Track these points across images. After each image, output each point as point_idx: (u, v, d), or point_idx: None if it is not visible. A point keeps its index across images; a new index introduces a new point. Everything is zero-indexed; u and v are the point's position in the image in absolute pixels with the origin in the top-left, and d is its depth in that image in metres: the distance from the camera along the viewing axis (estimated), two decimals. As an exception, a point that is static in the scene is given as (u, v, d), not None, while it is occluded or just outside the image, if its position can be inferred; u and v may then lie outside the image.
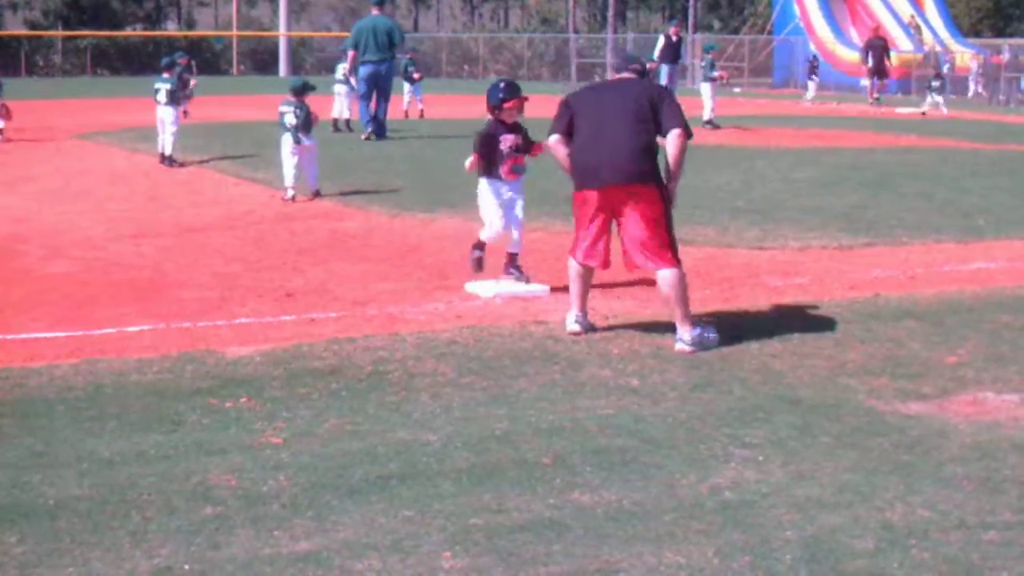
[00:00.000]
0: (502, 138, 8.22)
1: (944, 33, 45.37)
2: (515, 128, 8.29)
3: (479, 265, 8.34)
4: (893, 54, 35.36)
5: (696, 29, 53.57)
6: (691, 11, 56.29)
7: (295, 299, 8.04)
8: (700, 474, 4.84)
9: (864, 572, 3.96)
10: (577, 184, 7.13)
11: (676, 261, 6.95)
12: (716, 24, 69.39)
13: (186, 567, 3.94)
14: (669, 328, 7.04)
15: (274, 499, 4.53)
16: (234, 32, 60.43)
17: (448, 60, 55.35)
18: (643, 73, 7.64)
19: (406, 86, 25.71)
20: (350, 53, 19.96)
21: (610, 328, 7.27)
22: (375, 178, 14.42)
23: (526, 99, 8.34)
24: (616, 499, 4.56)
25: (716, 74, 23.39)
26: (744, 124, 24.09)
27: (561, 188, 8.43)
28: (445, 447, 5.13)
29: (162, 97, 16.07)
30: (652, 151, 6.99)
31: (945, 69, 33.62)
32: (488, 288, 8.23)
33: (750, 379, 6.24)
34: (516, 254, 8.47)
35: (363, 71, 19.47)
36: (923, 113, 29.80)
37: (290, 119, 12.68)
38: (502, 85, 8.40)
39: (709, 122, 22.34)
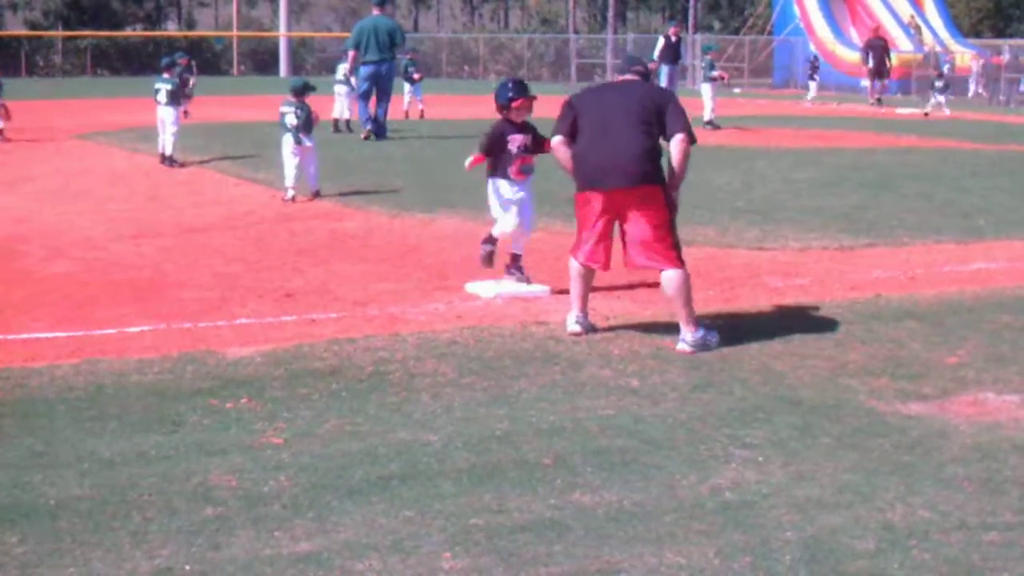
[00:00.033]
0: (510, 138, 8.17)
1: (944, 33, 45.38)
2: (524, 127, 8.24)
3: (489, 259, 8.30)
4: (893, 54, 35.37)
5: (696, 29, 53.57)
6: (691, 11, 56.29)
7: (295, 299, 8.04)
8: (700, 475, 4.84)
9: (864, 573, 3.96)
10: (580, 185, 7.12)
11: (681, 262, 6.96)
12: (716, 24, 69.44)
13: (187, 567, 3.94)
14: (669, 329, 7.05)
15: (275, 500, 4.53)
16: (234, 32, 60.44)
17: (448, 60, 55.36)
18: (647, 75, 7.64)
19: (406, 86, 25.72)
20: (351, 53, 19.97)
21: (610, 329, 7.27)
22: (375, 178, 14.43)
23: (535, 98, 8.29)
24: (617, 499, 4.56)
25: (715, 74, 23.39)
26: (744, 124, 24.09)
27: (562, 188, 8.43)
28: (446, 447, 5.13)
29: (162, 97, 16.07)
30: (656, 153, 6.99)
31: (945, 69, 33.59)
32: (489, 288, 8.23)
33: (750, 380, 6.24)
34: (519, 255, 8.46)
35: (364, 71, 19.49)
36: (925, 114, 29.81)
37: (291, 119, 12.68)
38: (510, 84, 8.34)
39: (709, 122, 22.35)
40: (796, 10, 47.07)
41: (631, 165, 6.90)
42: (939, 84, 31.18)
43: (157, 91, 16.16)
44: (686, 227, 9.47)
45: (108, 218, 11.75)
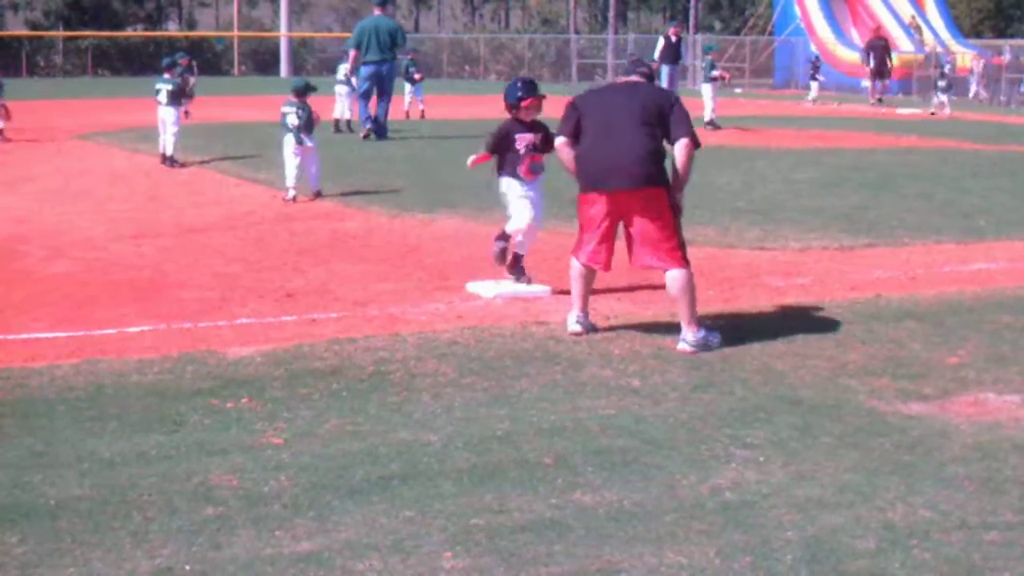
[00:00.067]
0: (517, 137, 8.15)
1: (945, 34, 45.35)
2: (534, 126, 8.20)
3: (502, 256, 8.28)
4: (894, 55, 35.36)
5: (697, 30, 53.56)
6: (692, 12, 56.30)
7: (296, 299, 8.04)
8: (701, 474, 4.84)
9: (865, 572, 3.96)
10: (583, 186, 7.12)
11: (686, 262, 6.96)
12: (717, 25, 69.43)
13: (187, 567, 3.94)
14: (670, 329, 7.05)
15: (275, 499, 4.53)
16: (235, 33, 60.45)
17: (449, 61, 55.35)
18: (651, 77, 7.64)
19: (407, 86, 25.72)
20: (352, 53, 19.98)
21: (611, 329, 7.27)
22: (376, 178, 14.43)
23: (544, 97, 8.27)
24: (617, 499, 4.56)
25: (715, 74, 23.38)
26: (745, 125, 24.09)
27: (563, 188, 8.42)
28: (446, 447, 5.13)
29: (163, 97, 16.07)
30: (660, 155, 6.99)
31: (946, 69, 33.58)
32: (489, 288, 8.23)
33: (751, 379, 6.24)
34: (522, 256, 8.45)
35: (364, 71, 19.49)
36: (932, 113, 29.93)
37: (292, 120, 12.68)
38: (519, 83, 8.31)
39: (710, 123, 22.34)
40: (797, 10, 47.06)
41: (634, 167, 6.91)
42: (942, 84, 31.23)
43: (158, 91, 16.16)
44: (686, 227, 9.45)
45: (108, 218, 11.75)
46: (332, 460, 4.95)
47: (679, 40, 24.47)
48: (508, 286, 8.26)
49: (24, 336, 7.00)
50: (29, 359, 6.46)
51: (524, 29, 73.19)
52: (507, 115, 8.28)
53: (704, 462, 4.99)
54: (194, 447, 5.10)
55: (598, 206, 7.02)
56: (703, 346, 6.80)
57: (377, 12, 20.03)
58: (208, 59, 54.25)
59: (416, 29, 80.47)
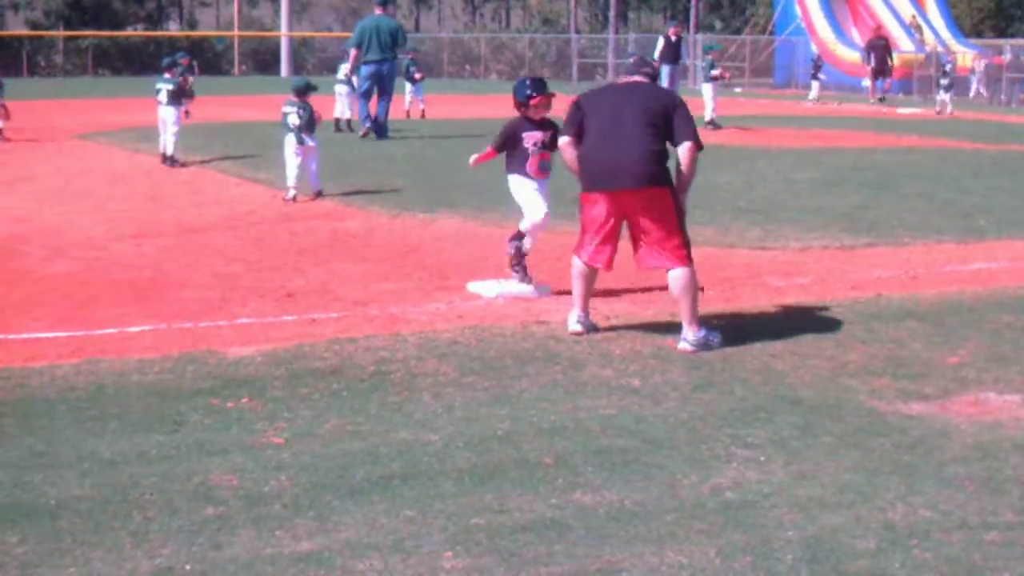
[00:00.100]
0: (525, 135, 8.13)
1: (946, 33, 45.32)
2: (544, 125, 8.18)
3: (519, 256, 8.26)
4: (895, 54, 35.34)
5: (698, 29, 53.54)
6: (692, 11, 56.28)
7: (296, 299, 8.04)
8: (702, 474, 4.84)
9: (865, 572, 3.96)
10: (586, 186, 7.12)
11: (690, 260, 6.96)
12: (718, 24, 69.39)
13: (187, 567, 3.94)
14: (671, 328, 7.05)
15: (276, 499, 4.53)
16: (235, 32, 60.43)
17: (449, 60, 55.33)
18: (655, 77, 7.65)
19: (407, 86, 25.71)
20: (352, 52, 19.98)
21: (612, 328, 7.27)
22: (376, 178, 14.43)
23: (553, 95, 8.25)
24: (618, 499, 4.56)
25: (715, 73, 23.37)
26: (745, 124, 24.08)
27: (565, 188, 8.42)
28: (447, 447, 5.13)
29: (163, 97, 16.07)
30: (663, 155, 6.99)
31: (948, 68, 33.57)
32: (490, 288, 8.22)
33: (751, 379, 6.24)
34: (524, 253, 8.43)
35: (365, 70, 19.49)
36: (938, 112, 30.04)
37: (293, 119, 12.68)
38: (528, 81, 8.30)
39: (711, 122, 22.33)
40: (797, 10, 47.05)
41: (637, 167, 6.91)
42: (944, 82, 31.26)
43: (158, 91, 16.16)
44: (687, 227, 9.47)
45: (109, 218, 11.75)
46: (332, 460, 4.95)
47: (679, 40, 24.43)
48: (509, 286, 8.25)
49: (25, 336, 7.00)
50: (30, 359, 6.46)
51: (525, 29, 73.14)
52: (512, 114, 8.28)
53: (705, 462, 4.99)
54: (194, 447, 5.10)
55: (600, 206, 7.02)
56: (704, 346, 6.80)
57: (378, 11, 20.03)
58: (208, 59, 54.24)
59: (417, 28, 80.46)
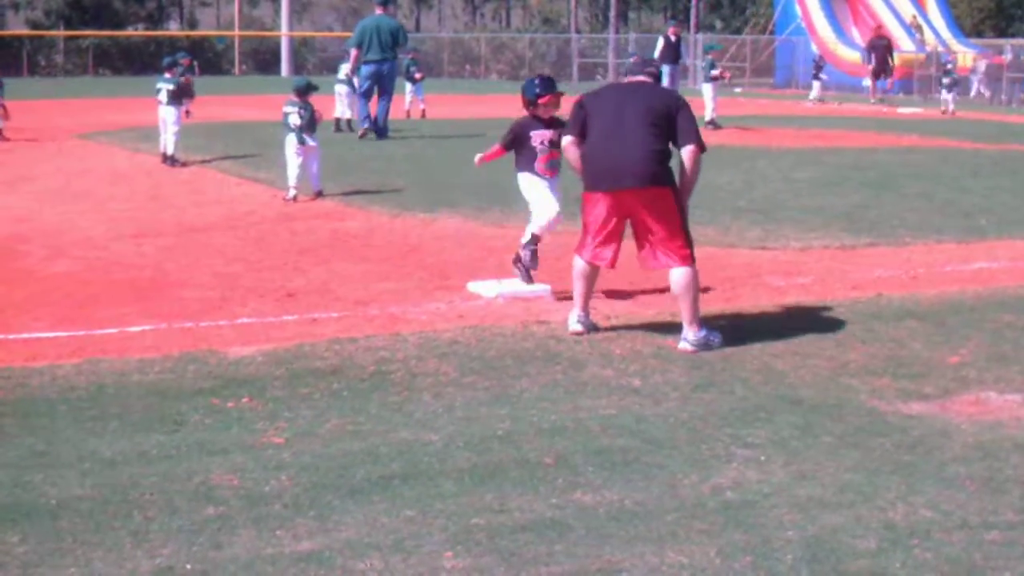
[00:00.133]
0: (533, 134, 8.14)
1: (946, 33, 45.32)
2: (552, 123, 8.16)
3: (535, 260, 8.23)
4: (896, 54, 35.32)
5: (698, 29, 53.53)
6: (693, 11, 56.27)
7: (296, 299, 8.04)
8: (702, 474, 4.84)
9: (866, 572, 3.96)
10: (588, 185, 7.12)
11: (692, 261, 6.97)
12: (718, 24, 69.38)
13: (188, 567, 3.94)
14: (671, 328, 7.05)
15: (276, 499, 4.53)
16: (236, 32, 60.43)
17: (450, 60, 55.33)
18: (658, 77, 7.65)
19: (408, 86, 25.71)
20: (353, 52, 19.98)
21: (612, 328, 7.27)
22: (376, 178, 14.43)
23: (562, 94, 8.25)
24: (618, 499, 4.56)
25: (716, 72, 23.37)
26: (746, 124, 24.08)
27: (568, 187, 8.41)
28: (447, 447, 5.13)
29: (164, 97, 16.08)
30: (665, 155, 6.99)
31: (949, 68, 33.56)
32: (490, 288, 8.22)
33: (752, 379, 6.24)
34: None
35: (365, 70, 19.50)
36: (943, 111, 30.10)
37: (294, 119, 12.68)
38: (537, 80, 8.32)
39: (711, 122, 22.33)
40: (798, 10, 47.04)
41: (639, 166, 6.91)
42: (946, 81, 31.29)
43: (159, 91, 16.17)
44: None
45: (109, 217, 11.75)
46: (333, 460, 4.95)
47: (679, 39, 24.43)
48: (509, 285, 8.25)
49: (25, 336, 7.00)
50: (30, 359, 6.46)
51: (525, 28, 73.14)
52: (520, 113, 8.28)
53: (705, 462, 4.99)
54: (195, 447, 5.10)
55: (602, 205, 7.02)
56: (704, 345, 6.80)
57: (378, 11, 20.03)
58: (209, 58, 54.24)
59: (417, 28, 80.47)
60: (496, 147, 8.40)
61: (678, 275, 6.92)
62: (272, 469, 4.84)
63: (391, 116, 20.22)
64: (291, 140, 12.69)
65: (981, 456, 5.09)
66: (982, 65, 40.06)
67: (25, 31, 58.31)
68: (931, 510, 4.47)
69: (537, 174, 8.16)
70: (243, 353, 6.59)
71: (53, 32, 56.77)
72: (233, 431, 5.33)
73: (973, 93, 39.36)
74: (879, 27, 37.34)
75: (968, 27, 54.43)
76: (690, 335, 6.83)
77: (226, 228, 11.10)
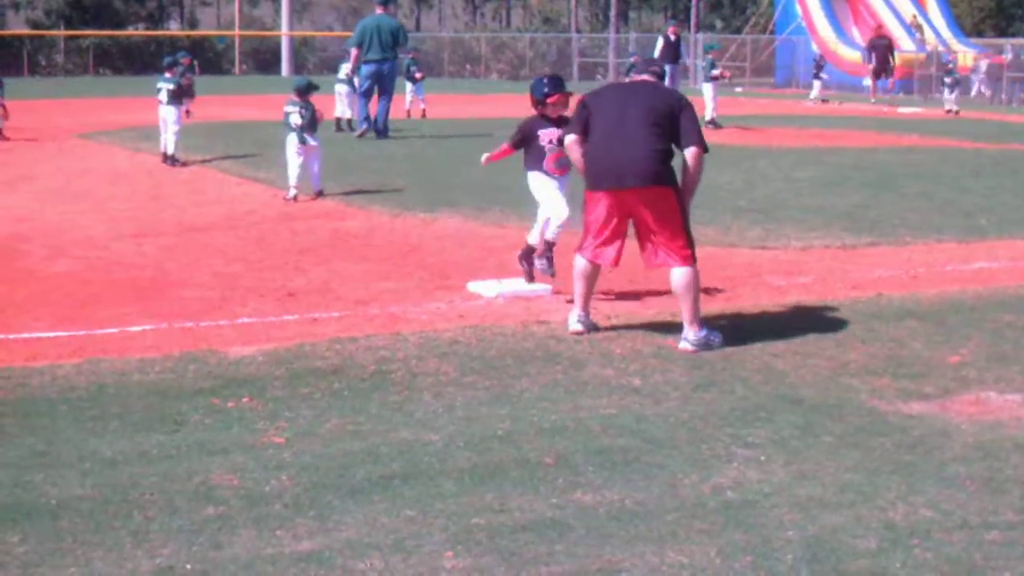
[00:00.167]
0: (540, 133, 8.15)
1: (946, 33, 45.31)
2: (561, 122, 8.12)
3: (550, 267, 8.23)
4: (896, 54, 35.31)
5: (698, 29, 53.53)
6: (693, 11, 56.25)
7: (297, 299, 8.04)
8: (702, 474, 4.84)
9: (866, 572, 3.96)
10: (590, 184, 7.12)
11: (693, 260, 6.96)
12: (718, 23, 69.37)
13: (188, 567, 3.94)
14: (671, 328, 7.05)
15: (276, 499, 4.53)
16: (236, 32, 60.43)
17: (450, 60, 55.32)
18: (661, 77, 7.65)
19: (408, 85, 25.71)
20: (353, 51, 19.98)
21: (612, 328, 7.27)
22: (377, 178, 14.43)
23: (571, 94, 8.24)
24: (618, 499, 4.56)
25: (716, 72, 23.37)
26: (746, 124, 24.08)
27: (569, 187, 8.41)
28: (447, 447, 5.13)
29: (164, 96, 16.08)
30: (667, 155, 6.99)
31: (951, 68, 33.56)
32: (490, 288, 8.22)
33: (752, 379, 6.24)
34: (534, 248, 8.40)
35: (366, 70, 19.50)
36: (948, 111, 30.16)
37: (295, 119, 12.68)
38: (545, 80, 8.35)
39: (711, 122, 22.33)
40: (798, 9, 47.03)
41: (641, 166, 6.90)
42: (948, 81, 31.31)
43: (159, 90, 16.17)
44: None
45: (110, 217, 11.75)
46: (333, 459, 4.95)
47: (678, 39, 24.44)
48: (510, 285, 8.25)
49: (26, 335, 7.00)
50: (31, 358, 6.46)
51: (525, 28, 73.13)
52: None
53: (705, 461, 4.99)
54: (195, 446, 5.10)
55: (604, 204, 7.02)
56: (704, 345, 6.80)
57: (379, 11, 20.03)
58: (209, 58, 54.23)
59: (417, 28, 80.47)
60: (504, 146, 8.42)
61: (679, 275, 6.93)
62: (272, 469, 4.84)
63: (391, 116, 20.23)
64: (292, 140, 12.69)
65: (981, 456, 5.09)
66: (983, 65, 40.05)
67: (25, 31, 58.32)
68: (931, 510, 4.47)
69: (546, 173, 8.17)
70: (243, 353, 6.59)
71: (53, 32, 56.77)
72: (233, 431, 5.33)
73: (974, 93, 39.36)
74: (879, 27, 37.34)
75: (968, 27, 54.42)
76: (690, 335, 6.83)
77: (226, 228, 11.10)
